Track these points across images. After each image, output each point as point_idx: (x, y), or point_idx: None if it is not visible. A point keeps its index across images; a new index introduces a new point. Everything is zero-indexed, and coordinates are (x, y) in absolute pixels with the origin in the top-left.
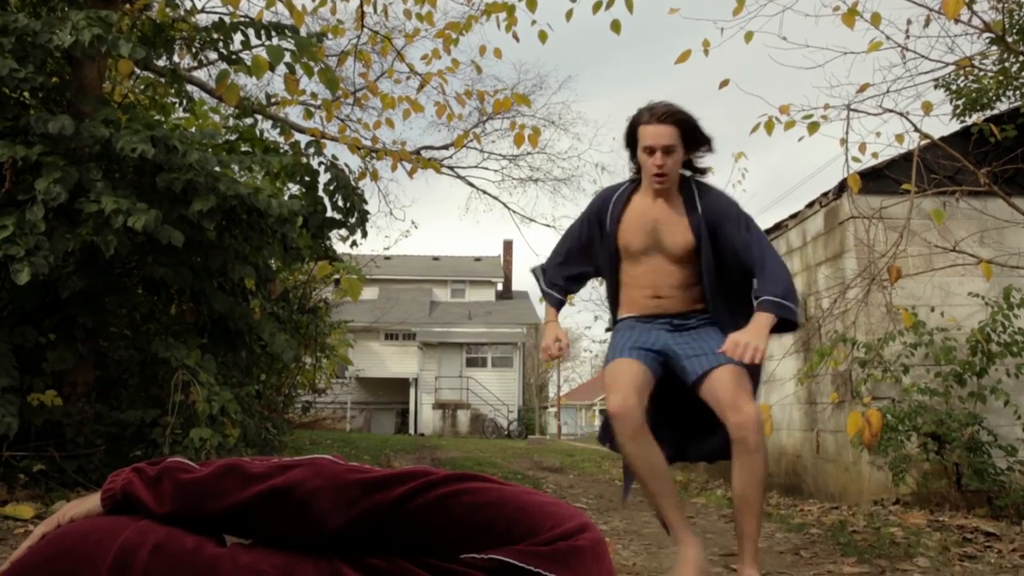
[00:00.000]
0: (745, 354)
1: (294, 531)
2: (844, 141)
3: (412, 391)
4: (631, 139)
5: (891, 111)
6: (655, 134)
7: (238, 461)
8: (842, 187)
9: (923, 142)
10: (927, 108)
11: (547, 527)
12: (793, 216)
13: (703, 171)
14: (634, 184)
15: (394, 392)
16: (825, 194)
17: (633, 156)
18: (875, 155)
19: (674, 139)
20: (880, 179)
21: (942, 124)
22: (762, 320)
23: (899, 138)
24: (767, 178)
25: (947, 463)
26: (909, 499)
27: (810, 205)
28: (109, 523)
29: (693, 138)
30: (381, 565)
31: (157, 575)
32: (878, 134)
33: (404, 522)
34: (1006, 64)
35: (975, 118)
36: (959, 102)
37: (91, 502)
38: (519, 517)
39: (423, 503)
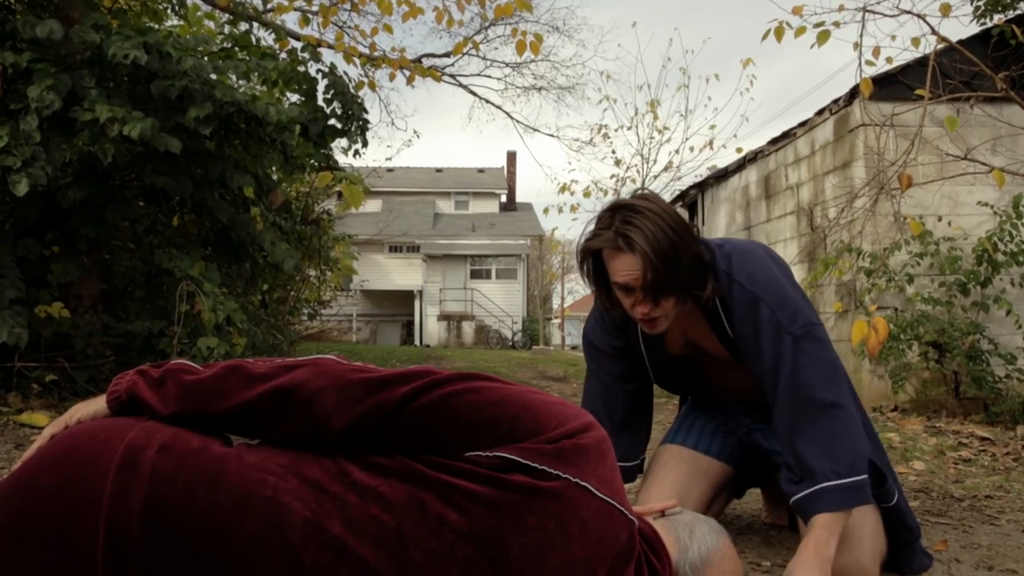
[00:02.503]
0: None
1: (298, 430)
2: (858, 45)
3: (417, 303)
4: (593, 261)
5: (908, 12)
6: (630, 269)
7: (241, 362)
8: (853, 94)
9: (940, 46)
10: (945, 10)
11: (551, 426)
12: (802, 124)
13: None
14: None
15: (399, 304)
16: (836, 101)
17: (602, 288)
18: (889, 60)
19: (658, 278)
20: (893, 85)
21: (962, 26)
22: (819, 539)
23: (915, 41)
24: (777, 86)
25: (946, 371)
26: (907, 406)
27: (820, 113)
28: (116, 424)
29: (685, 280)
30: (386, 463)
31: (163, 475)
32: (893, 37)
33: (408, 421)
34: None
35: (996, 20)
36: (980, 3)
37: (98, 404)
38: (523, 416)
39: (427, 402)
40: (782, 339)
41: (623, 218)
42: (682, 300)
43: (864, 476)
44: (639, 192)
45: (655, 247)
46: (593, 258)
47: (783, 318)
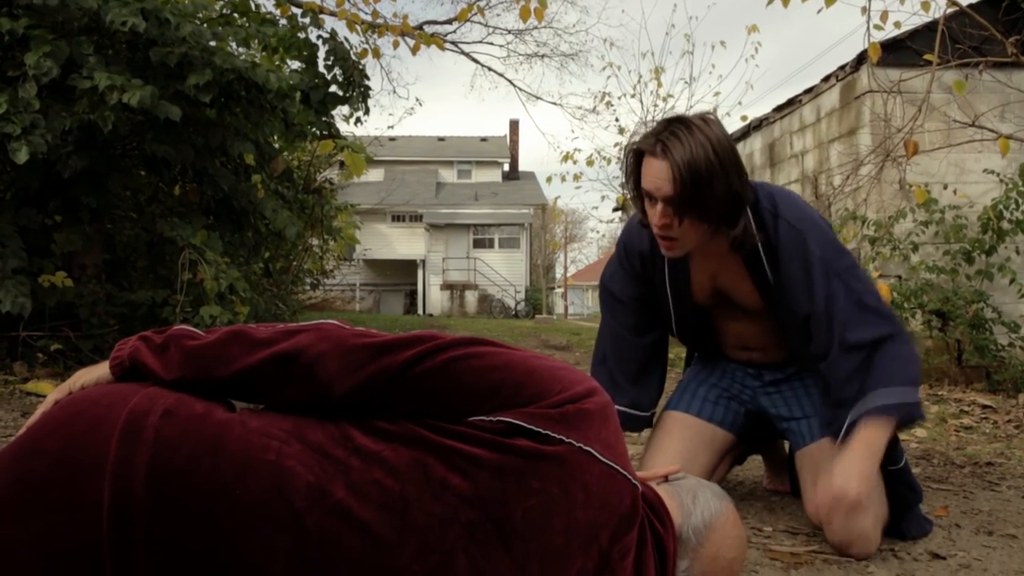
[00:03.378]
0: (837, 514)
1: (301, 396)
2: (866, 9)
3: (420, 272)
4: (634, 166)
5: None
6: (658, 176)
7: (244, 327)
8: (860, 60)
9: (950, 10)
10: None
11: (555, 391)
12: (808, 91)
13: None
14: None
15: (402, 273)
16: (842, 67)
17: (637, 193)
18: (898, 24)
19: (682, 194)
20: (901, 51)
21: None
22: (868, 436)
23: (925, 5)
24: (783, 53)
25: (949, 340)
26: None
27: (826, 79)
28: (119, 390)
29: (711, 208)
30: (389, 428)
31: (167, 440)
32: (902, 1)
33: (412, 385)
34: None
35: None
36: None
37: (101, 370)
38: (527, 380)
39: (431, 367)
40: (831, 279)
41: (672, 129)
42: (709, 230)
43: (917, 399)
44: (703, 113)
45: (688, 162)
46: (635, 160)
47: (831, 257)
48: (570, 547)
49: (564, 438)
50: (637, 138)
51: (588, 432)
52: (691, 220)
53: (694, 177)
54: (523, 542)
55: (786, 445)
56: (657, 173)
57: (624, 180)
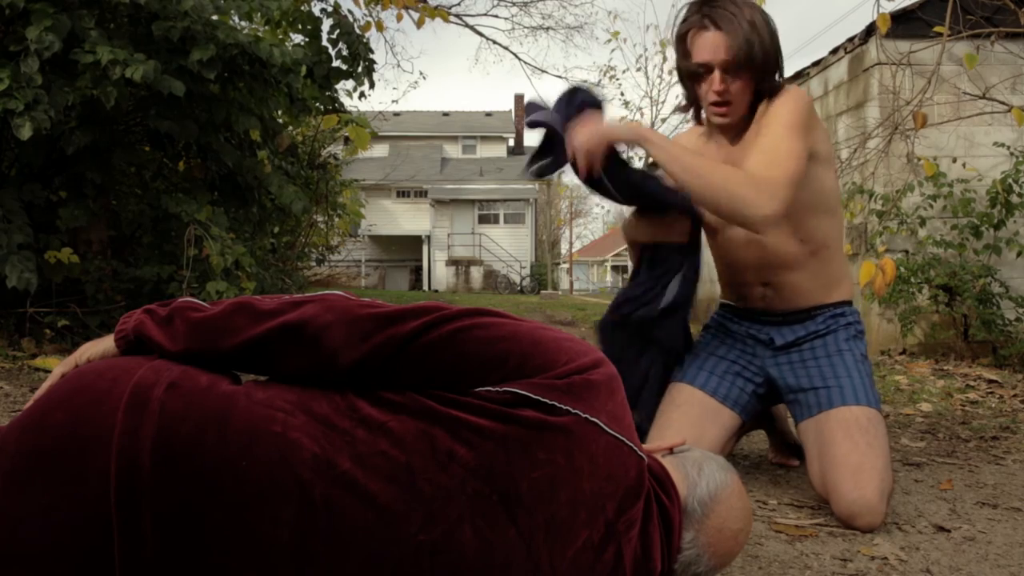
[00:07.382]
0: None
1: (307, 366)
2: None
3: (425, 248)
4: (680, 49)
5: None
6: (711, 46)
7: (249, 299)
8: (869, 31)
9: None
10: None
11: (561, 362)
12: (815, 64)
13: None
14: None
15: (407, 249)
16: (851, 39)
17: (683, 79)
18: None
19: (738, 54)
20: (911, 22)
21: None
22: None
23: None
24: (791, 25)
25: (956, 314)
26: (916, 350)
27: (834, 51)
28: (124, 363)
29: (762, 63)
30: (395, 399)
31: (173, 412)
32: None
33: (418, 356)
34: None
35: None
36: None
37: (106, 343)
38: (533, 351)
39: (437, 337)
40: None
41: (711, 7)
42: (753, 86)
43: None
44: None
45: (739, 26)
46: (681, 43)
47: None
48: (576, 518)
49: (570, 409)
50: (676, 28)
51: (594, 403)
52: (743, 80)
53: (745, 39)
54: (529, 513)
55: (791, 424)
56: (710, 42)
57: (677, 73)
